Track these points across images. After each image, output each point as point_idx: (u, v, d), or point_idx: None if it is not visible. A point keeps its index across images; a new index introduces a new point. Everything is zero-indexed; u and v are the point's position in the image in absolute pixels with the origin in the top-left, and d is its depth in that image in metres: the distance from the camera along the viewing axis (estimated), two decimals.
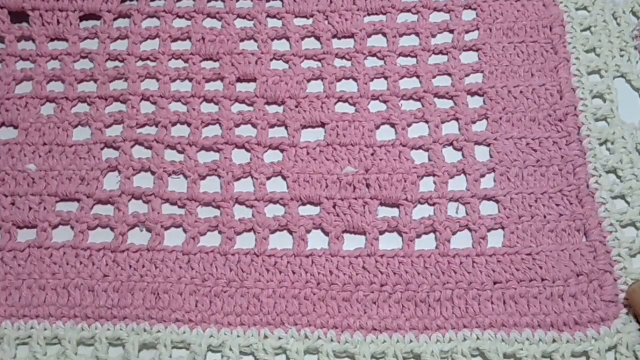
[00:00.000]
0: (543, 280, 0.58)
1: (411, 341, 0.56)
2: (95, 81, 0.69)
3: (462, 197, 0.62)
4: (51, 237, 0.62)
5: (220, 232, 0.61)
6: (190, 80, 0.69)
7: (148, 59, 0.70)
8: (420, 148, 0.64)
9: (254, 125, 0.66)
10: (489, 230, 0.60)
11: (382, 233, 0.61)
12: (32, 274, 0.60)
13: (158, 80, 0.69)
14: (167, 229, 0.62)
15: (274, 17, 0.73)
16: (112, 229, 0.62)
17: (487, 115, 0.65)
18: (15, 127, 0.67)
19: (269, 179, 0.63)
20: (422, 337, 0.56)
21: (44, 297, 0.59)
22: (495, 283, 0.58)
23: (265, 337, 0.56)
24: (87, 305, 0.58)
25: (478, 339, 0.56)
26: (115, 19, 0.73)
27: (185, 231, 0.61)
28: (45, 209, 0.63)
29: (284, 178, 0.63)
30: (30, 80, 0.70)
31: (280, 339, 0.56)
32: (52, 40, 0.72)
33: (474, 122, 0.65)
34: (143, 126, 0.67)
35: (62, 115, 0.67)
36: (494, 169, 0.63)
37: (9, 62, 0.70)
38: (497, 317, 0.56)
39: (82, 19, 0.73)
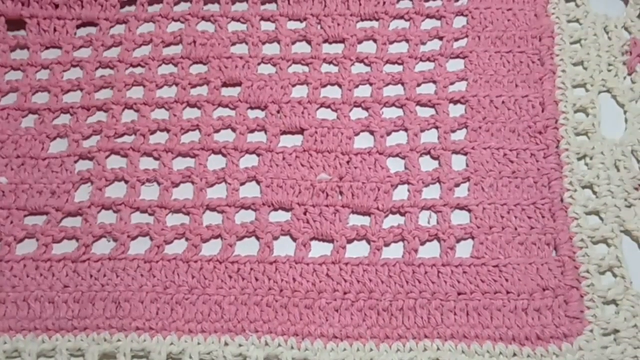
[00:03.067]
0: (508, 292, 0.57)
1: (371, 349, 0.56)
2: (82, 90, 0.70)
3: (434, 205, 0.62)
4: (13, 251, 0.62)
5: (186, 239, 0.62)
6: (177, 85, 0.69)
7: (138, 64, 0.71)
8: (397, 156, 0.65)
9: (234, 130, 0.67)
10: (458, 240, 0.60)
11: (350, 241, 0.61)
12: None
13: (144, 87, 0.69)
14: (134, 238, 0.62)
15: (268, 19, 0.73)
16: (78, 240, 0.62)
17: (466, 124, 0.65)
18: None
19: (242, 184, 0.64)
20: (382, 346, 0.56)
21: (4, 310, 0.59)
22: (459, 294, 0.57)
23: (226, 344, 0.56)
24: (47, 317, 0.58)
25: (438, 349, 0.55)
26: (112, 27, 0.74)
27: (151, 239, 0.62)
28: (11, 222, 0.63)
29: (258, 182, 0.64)
30: (15, 92, 0.70)
31: (240, 345, 0.56)
32: (47, 48, 0.73)
33: (453, 131, 0.65)
34: (122, 135, 0.67)
35: (40, 127, 0.68)
36: (469, 177, 0.63)
37: None
38: (459, 328, 0.56)
39: (79, 26, 0.74)
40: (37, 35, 0.73)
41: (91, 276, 0.60)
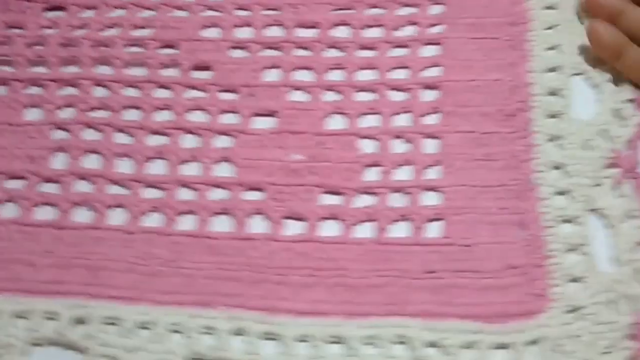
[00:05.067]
0: (476, 271, 0.58)
1: (339, 325, 0.56)
2: (46, 63, 0.71)
3: (405, 187, 0.62)
4: None
5: (162, 213, 0.62)
6: (146, 65, 0.70)
7: (105, 45, 0.72)
8: (369, 138, 0.65)
9: (206, 111, 0.67)
10: (429, 221, 0.61)
11: (322, 220, 0.61)
12: None
13: (111, 65, 0.71)
14: (110, 207, 0.63)
15: (243, 9, 0.74)
16: (57, 207, 0.63)
17: (439, 108, 0.66)
18: None
19: (216, 162, 0.65)
20: (349, 322, 0.56)
21: None
22: (428, 272, 0.58)
23: (196, 316, 0.57)
24: (26, 280, 0.59)
25: (403, 326, 0.56)
26: (80, 12, 0.75)
27: (127, 211, 0.63)
28: None
29: (231, 163, 0.64)
30: None
31: (210, 318, 0.57)
32: (12, 28, 0.74)
33: (426, 115, 0.66)
34: (97, 110, 0.68)
35: (14, 96, 0.69)
36: (441, 160, 0.63)
37: None
38: (425, 306, 0.56)
39: (47, 10, 0.75)
40: (2, 15, 0.74)
41: (69, 243, 0.61)
